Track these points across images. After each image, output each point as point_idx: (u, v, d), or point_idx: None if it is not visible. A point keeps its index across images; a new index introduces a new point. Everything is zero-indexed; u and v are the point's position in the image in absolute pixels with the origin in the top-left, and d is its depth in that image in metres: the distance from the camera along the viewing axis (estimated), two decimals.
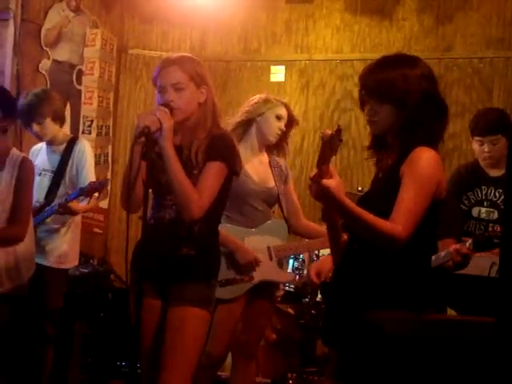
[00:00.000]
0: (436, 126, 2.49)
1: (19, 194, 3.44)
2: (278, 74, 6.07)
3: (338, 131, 2.25)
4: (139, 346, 2.89)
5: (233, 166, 2.94)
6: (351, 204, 2.34)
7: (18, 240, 3.44)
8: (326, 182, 2.28)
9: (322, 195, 2.31)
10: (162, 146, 2.81)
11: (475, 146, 3.83)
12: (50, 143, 4.26)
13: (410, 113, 2.44)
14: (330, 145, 2.25)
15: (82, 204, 4.14)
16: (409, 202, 2.36)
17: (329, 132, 2.25)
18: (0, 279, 3.39)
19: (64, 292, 4.25)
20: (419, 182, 2.38)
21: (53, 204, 4.07)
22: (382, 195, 2.47)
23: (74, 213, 4.12)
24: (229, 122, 3.74)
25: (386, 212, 2.36)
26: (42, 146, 4.33)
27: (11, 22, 5.07)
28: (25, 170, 3.47)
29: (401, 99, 2.45)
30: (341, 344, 2.53)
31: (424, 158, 2.41)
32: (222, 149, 2.91)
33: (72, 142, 4.26)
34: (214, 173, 2.88)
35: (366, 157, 2.65)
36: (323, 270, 3.11)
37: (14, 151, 3.52)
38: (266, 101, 3.83)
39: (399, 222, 2.33)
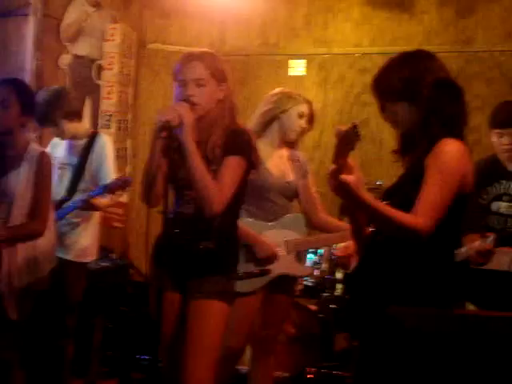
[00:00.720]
0: (453, 110, 2.47)
1: (38, 189, 3.45)
2: (297, 68, 6.06)
3: (353, 127, 2.23)
4: (159, 339, 2.91)
5: (250, 160, 2.95)
6: (371, 198, 2.32)
7: (38, 235, 3.46)
8: (344, 177, 2.26)
9: (341, 190, 2.30)
10: (183, 142, 2.81)
11: (494, 138, 3.80)
12: (71, 138, 4.26)
13: (426, 103, 2.44)
14: (346, 141, 2.24)
15: (104, 199, 4.15)
16: (431, 195, 2.35)
17: (343, 129, 2.23)
18: (19, 274, 3.41)
19: (84, 286, 4.26)
20: (442, 175, 2.37)
21: (75, 200, 4.08)
22: (406, 187, 2.47)
23: (96, 209, 4.14)
24: (250, 118, 3.74)
25: (409, 203, 2.36)
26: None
27: (31, 18, 5.10)
28: (43, 165, 3.48)
29: (412, 92, 2.45)
30: (362, 336, 2.53)
31: (448, 150, 2.40)
32: (240, 143, 2.92)
33: (93, 137, 4.26)
34: (232, 167, 2.89)
35: (393, 160, 2.65)
36: (350, 246, 3.03)
37: (33, 146, 3.53)
38: (290, 97, 3.82)
39: (421, 215, 2.32)
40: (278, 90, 3.91)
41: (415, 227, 2.32)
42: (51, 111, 4.10)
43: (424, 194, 2.36)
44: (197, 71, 2.90)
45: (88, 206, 4.06)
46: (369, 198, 2.32)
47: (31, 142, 3.59)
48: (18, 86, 3.52)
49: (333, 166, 2.29)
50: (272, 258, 3.70)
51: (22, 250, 3.42)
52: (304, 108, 3.85)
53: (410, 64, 2.49)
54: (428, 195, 2.35)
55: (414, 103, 2.46)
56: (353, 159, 2.30)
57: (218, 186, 2.83)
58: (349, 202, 2.44)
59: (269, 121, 3.81)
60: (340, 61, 5.98)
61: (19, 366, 3.56)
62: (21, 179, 3.42)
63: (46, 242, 3.50)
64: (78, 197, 4.11)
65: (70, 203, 4.08)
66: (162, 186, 2.80)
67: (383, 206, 2.34)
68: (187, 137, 2.80)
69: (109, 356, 4.79)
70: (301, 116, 3.83)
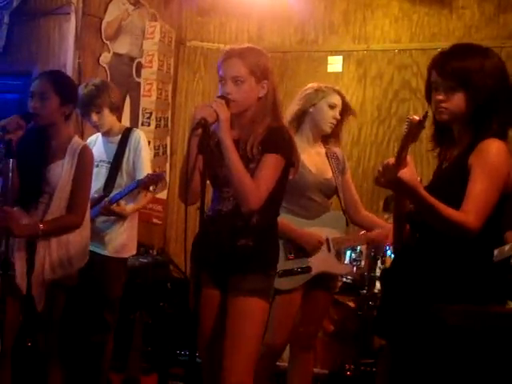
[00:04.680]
0: (507, 119, 2.45)
1: (78, 182, 3.49)
2: (335, 64, 6.04)
3: (425, 117, 2.22)
4: (198, 335, 2.92)
5: (289, 158, 2.93)
6: (425, 194, 2.32)
7: (75, 227, 3.50)
8: (401, 173, 2.25)
9: (396, 185, 2.29)
10: (219, 137, 2.82)
11: None
12: (106, 134, 4.28)
13: (483, 102, 2.42)
14: (415, 131, 2.22)
15: (129, 205, 4.15)
16: (480, 194, 2.34)
17: (417, 118, 2.21)
18: (52, 268, 3.45)
19: (123, 281, 4.28)
20: (490, 174, 2.36)
21: (99, 204, 4.11)
22: (449, 185, 2.45)
23: (118, 215, 4.12)
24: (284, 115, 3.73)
25: (452, 202, 2.34)
26: (97, 137, 4.36)
27: (73, 16, 5.15)
28: (84, 159, 3.52)
29: (476, 87, 2.42)
30: (397, 334, 2.52)
31: (494, 149, 2.38)
32: (279, 141, 2.91)
33: (127, 133, 4.27)
34: (270, 164, 2.87)
35: (428, 148, 2.63)
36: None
37: (75, 139, 3.56)
38: (318, 90, 3.79)
39: (471, 213, 2.32)
40: (308, 86, 3.89)
41: (465, 225, 2.31)
42: (99, 96, 4.13)
43: (472, 193, 2.35)
44: (235, 69, 2.89)
45: (109, 213, 4.06)
46: (424, 193, 2.31)
47: (74, 134, 3.62)
48: (55, 78, 3.56)
49: (389, 160, 2.28)
50: (319, 245, 3.70)
51: (57, 245, 3.46)
52: (335, 99, 3.81)
53: (481, 58, 2.47)
54: (476, 194, 2.34)
55: (471, 98, 2.43)
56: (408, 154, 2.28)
57: (255, 183, 2.82)
58: (402, 195, 2.44)
59: (300, 117, 3.80)
60: (379, 57, 5.95)
61: (56, 361, 3.59)
62: (63, 171, 3.47)
63: (79, 238, 3.53)
64: (115, 193, 4.14)
65: (96, 206, 4.08)
66: (198, 184, 2.82)
67: (436, 202, 2.32)
68: (224, 133, 2.80)
69: (148, 351, 4.83)
70: (332, 107, 3.79)
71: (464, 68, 2.45)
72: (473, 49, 2.53)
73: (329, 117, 3.79)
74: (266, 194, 2.85)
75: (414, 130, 2.21)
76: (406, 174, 2.26)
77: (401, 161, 2.25)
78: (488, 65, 2.46)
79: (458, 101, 2.46)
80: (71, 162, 3.47)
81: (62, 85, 3.53)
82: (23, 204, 3.42)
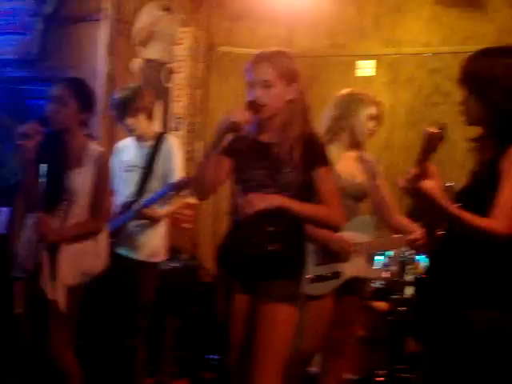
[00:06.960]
0: None
1: (99, 188, 3.53)
2: (365, 68, 6.02)
3: (442, 130, 2.23)
4: (227, 339, 2.92)
5: (331, 165, 2.99)
6: (449, 205, 2.31)
7: (98, 232, 3.56)
8: (424, 184, 2.25)
9: (419, 196, 2.29)
10: (289, 210, 2.84)
11: None
12: (138, 139, 4.30)
13: (494, 105, 2.40)
14: (432, 143, 2.22)
15: (162, 209, 4.17)
16: (509, 200, 2.32)
17: (431, 131, 2.23)
18: (73, 273, 3.46)
19: (155, 286, 4.31)
20: None
21: (132, 209, 4.13)
22: (481, 190, 2.43)
23: (152, 219, 4.15)
24: (318, 121, 3.73)
25: (484, 207, 2.33)
26: (129, 141, 4.38)
27: (103, 22, 5.20)
28: (103, 165, 3.57)
29: (483, 89, 2.41)
30: (433, 340, 2.50)
31: None
32: (323, 153, 2.95)
33: (160, 138, 4.30)
34: (329, 179, 2.93)
35: (467, 152, 2.62)
36: None
37: (91, 146, 3.60)
38: (360, 100, 3.80)
39: (499, 219, 2.30)
40: (346, 91, 3.88)
41: (494, 232, 2.29)
42: (136, 100, 4.17)
43: (502, 198, 2.32)
44: (264, 73, 2.89)
45: (141, 217, 4.09)
46: (447, 204, 2.31)
47: (90, 141, 3.66)
48: (75, 85, 3.60)
49: (413, 170, 2.28)
50: (349, 249, 3.69)
51: (77, 250, 3.49)
52: (373, 110, 3.83)
53: (495, 58, 2.43)
54: (505, 200, 2.32)
55: (482, 100, 2.42)
56: (432, 164, 2.29)
57: (330, 206, 2.89)
58: (425, 205, 2.43)
59: (340, 125, 3.79)
60: (409, 61, 5.92)
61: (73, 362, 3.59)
62: (83, 180, 3.50)
63: (96, 244, 3.57)
64: (148, 197, 4.16)
65: (127, 213, 4.13)
66: (212, 179, 2.83)
67: (460, 212, 2.32)
68: (288, 205, 2.84)
69: (179, 356, 4.85)
70: (371, 118, 3.81)
71: (471, 71, 2.44)
72: (491, 50, 2.49)
73: (367, 128, 3.81)
74: (339, 205, 2.92)
75: (432, 141, 2.23)
76: (426, 185, 2.27)
77: (422, 171, 2.25)
78: (502, 65, 2.41)
79: (471, 104, 2.46)
80: (91, 169, 3.52)
81: (81, 92, 3.58)
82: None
